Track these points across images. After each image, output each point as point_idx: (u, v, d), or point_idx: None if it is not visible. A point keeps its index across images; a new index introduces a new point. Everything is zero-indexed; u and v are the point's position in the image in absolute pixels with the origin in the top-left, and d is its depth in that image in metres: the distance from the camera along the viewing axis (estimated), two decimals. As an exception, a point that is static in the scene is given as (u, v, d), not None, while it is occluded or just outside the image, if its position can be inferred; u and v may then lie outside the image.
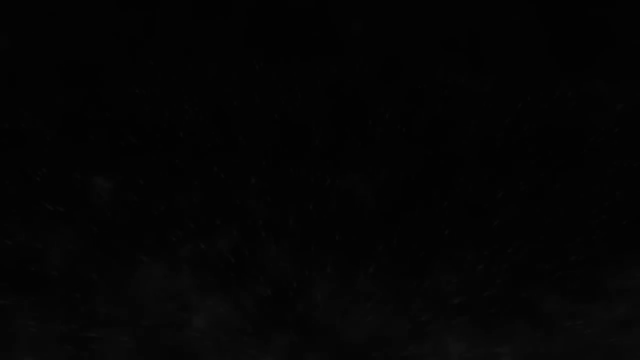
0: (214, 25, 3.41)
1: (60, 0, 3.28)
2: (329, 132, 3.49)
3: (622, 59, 3.39)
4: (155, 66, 3.39)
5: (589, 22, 3.32)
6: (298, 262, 3.62)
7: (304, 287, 3.62)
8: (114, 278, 3.54)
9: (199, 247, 3.59)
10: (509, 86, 3.44)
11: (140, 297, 3.58)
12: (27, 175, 3.44)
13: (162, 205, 3.55)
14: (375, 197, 3.57)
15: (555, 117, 3.48)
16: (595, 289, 3.61)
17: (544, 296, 3.63)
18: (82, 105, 3.42)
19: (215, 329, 3.60)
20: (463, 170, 3.54)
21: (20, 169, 3.44)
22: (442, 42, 3.34)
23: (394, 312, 3.59)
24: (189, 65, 3.43)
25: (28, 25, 3.30)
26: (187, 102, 3.45)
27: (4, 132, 3.44)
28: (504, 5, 3.31)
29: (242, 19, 3.41)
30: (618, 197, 3.52)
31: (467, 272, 3.60)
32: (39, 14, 3.23)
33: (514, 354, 3.63)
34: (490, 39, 3.38)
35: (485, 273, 3.59)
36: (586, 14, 3.29)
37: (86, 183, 3.49)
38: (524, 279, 3.60)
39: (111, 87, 3.41)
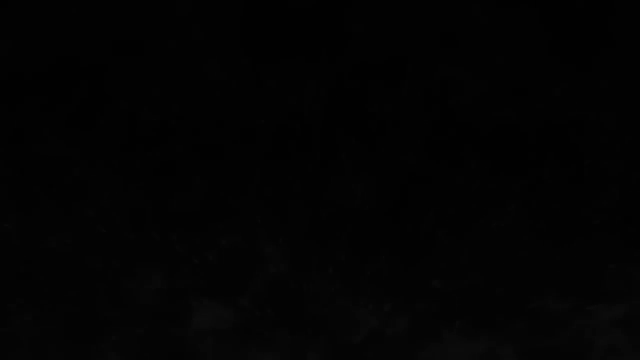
0: (213, 24, 3.39)
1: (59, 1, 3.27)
2: (329, 131, 3.48)
3: (624, 58, 3.37)
4: (153, 66, 3.39)
5: (591, 21, 3.29)
6: (298, 262, 3.62)
7: (304, 287, 3.62)
8: (113, 278, 3.55)
9: (199, 247, 3.59)
10: (508, 85, 3.42)
11: (140, 297, 3.58)
12: (26, 174, 3.45)
13: (161, 205, 3.55)
14: (375, 196, 3.56)
15: (555, 116, 3.47)
16: (595, 289, 3.60)
17: (544, 296, 3.62)
18: (80, 105, 3.42)
19: (215, 329, 3.60)
20: (462, 170, 3.53)
21: (20, 168, 3.44)
22: (443, 40, 3.32)
23: (394, 312, 3.59)
24: (187, 65, 3.41)
25: (26, 24, 3.30)
26: (186, 102, 3.44)
27: (3, 131, 3.44)
28: (504, 4, 3.28)
29: (241, 17, 3.38)
30: (618, 196, 3.51)
31: (468, 272, 3.59)
32: (37, 13, 3.22)
33: (514, 354, 3.64)
34: (490, 37, 3.35)
35: (485, 274, 3.59)
36: (588, 14, 3.27)
37: (86, 182, 3.49)
38: (524, 279, 3.60)
39: (110, 87, 3.40)
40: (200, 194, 3.54)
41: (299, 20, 3.43)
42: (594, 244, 3.57)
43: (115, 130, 3.53)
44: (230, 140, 3.52)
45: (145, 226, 3.53)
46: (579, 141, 3.48)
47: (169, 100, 3.60)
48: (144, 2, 3.31)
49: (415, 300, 3.60)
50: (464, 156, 3.50)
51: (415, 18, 3.42)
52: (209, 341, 3.59)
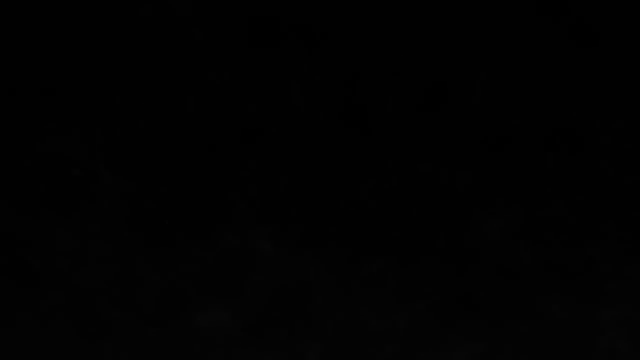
0: (216, 24, 3.40)
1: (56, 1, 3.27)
2: (329, 131, 3.48)
3: (625, 57, 3.37)
4: (153, 66, 3.39)
5: (592, 22, 3.30)
6: (298, 262, 3.62)
7: (304, 287, 3.62)
8: (114, 278, 3.55)
9: (198, 247, 3.60)
10: (507, 85, 3.43)
11: (140, 298, 3.58)
12: (27, 172, 3.45)
13: (160, 204, 3.55)
14: (375, 197, 3.57)
15: (555, 117, 3.47)
16: (596, 290, 3.60)
17: (545, 297, 3.62)
18: (77, 103, 3.42)
19: (214, 329, 3.60)
20: (461, 172, 3.54)
21: (20, 167, 3.45)
22: (442, 42, 3.33)
23: (394, 312, 3.59)
24: (188, 64, 3.42)
25: (23, 24, 3.30)
26: (185, 102, 3.45)
27: (2, 130, 3.45)
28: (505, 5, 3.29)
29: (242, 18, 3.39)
30: (619, 197, 3.51)
31: (469, 273, 3.60)
32: (34, 14, 3.23)
33: (514, 354, 3.63)
34: (490, 38, 3.36)
35: (485, 274, 3.59)
36: (591, 15, 3.27)
37: (85, 181, 3.50)
38: (525, 280, 3.60)
39: (109, 86, 3.41)
40: (200, 194, 3.54)
41: (300, 18, 3.43)
42: (593, 245, 3.57)
43: (114, 130, 3.53)
44: (231, 140, 3.52)
45: (145, 226, 3.54)
46: (579, 143, 3.48)
47: (168, 100, 3.60)
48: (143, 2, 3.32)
49: (415, 300, 3.60)
50: (463, 157, 3.50)
51: (415, 21, 3.43)
52: (209, 341, 3.58)
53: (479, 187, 3.54)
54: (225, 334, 3.56)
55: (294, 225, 3.59)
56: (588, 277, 3.58)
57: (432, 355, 3.58)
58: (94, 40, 3.42)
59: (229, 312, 3.59)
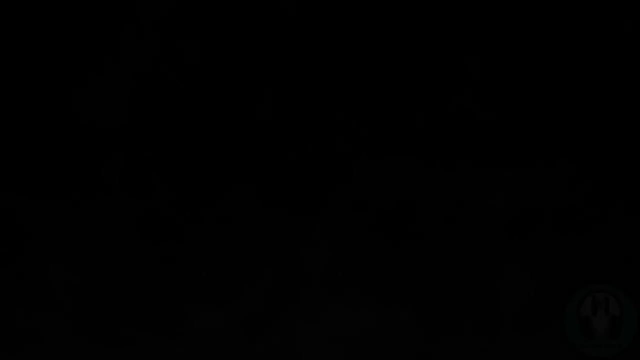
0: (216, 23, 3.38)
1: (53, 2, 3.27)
2: (329, 138, 3.47)
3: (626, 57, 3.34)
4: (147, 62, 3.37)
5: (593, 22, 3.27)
6: (297, 263, 3.62)
7: (304, 287, 3.61)
8: (109, 281, 3.55)
9: (196, 249, 3.59)
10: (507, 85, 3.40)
11: (138, 298, 3.57)
12: (26, 175, 3.44)
13: (157, 204, 3.55)
14: (374, 198, 3.56)
15: (556, 116, 3.45)
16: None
17: (537, 296, 3.61)
18: (73, 105, 3.41)
19: (213, 329, 3.60)
20: (459, 174, 3.52)
21: (20, 170, 3.44)
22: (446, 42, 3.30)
23: (393, 310, 3.58)
24: (186, 65, 3.40)
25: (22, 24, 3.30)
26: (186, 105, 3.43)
27: (2, 132, 3.43)
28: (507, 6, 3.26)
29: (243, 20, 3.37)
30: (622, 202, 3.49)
31: (473, 274, 3.59)
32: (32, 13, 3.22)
33: (513, 354, 3.63)
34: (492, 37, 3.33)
35: (482, 275, 3.58)
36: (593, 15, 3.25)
37: (85, 182, 3.49)
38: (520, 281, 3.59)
39: (103, 86, 3.40)
40: (196, 196, 3.53)
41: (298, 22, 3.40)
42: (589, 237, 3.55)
43: (111, 130, 3.53)
44: (233, 139, 3.52)
45: (139, 226, 3.53)
46: (577, 143, 3.47)
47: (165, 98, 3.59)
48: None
49: (416, 300, 3.60)
50: (461, 159, 3.49)
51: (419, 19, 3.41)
52: (207, 341, 3.59)
53: (473, 192, 3.52)
54: (224, 334, 3.56)
55: (293, 229, 3.58)
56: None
57: (432, 355, 3.58)
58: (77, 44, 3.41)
59: (227, 312, 3.58)
